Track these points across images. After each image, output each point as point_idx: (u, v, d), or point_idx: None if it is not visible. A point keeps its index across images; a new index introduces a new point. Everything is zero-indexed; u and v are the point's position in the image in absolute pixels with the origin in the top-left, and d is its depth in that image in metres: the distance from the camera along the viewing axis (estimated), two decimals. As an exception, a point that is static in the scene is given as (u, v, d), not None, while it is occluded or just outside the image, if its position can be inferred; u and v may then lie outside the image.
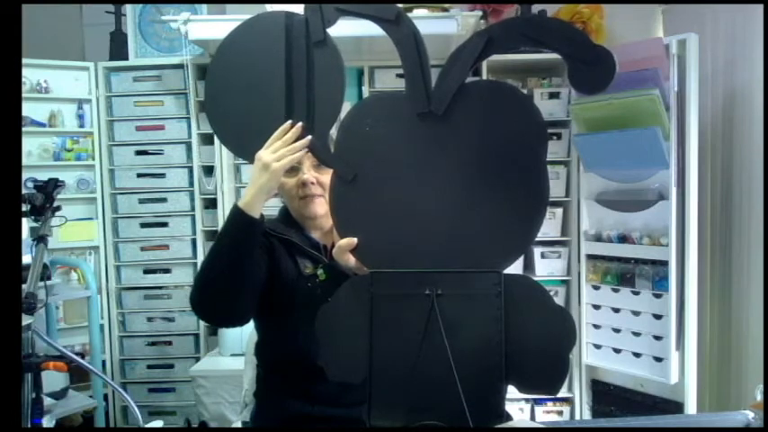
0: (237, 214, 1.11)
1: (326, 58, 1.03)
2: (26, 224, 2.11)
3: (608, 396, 2.46)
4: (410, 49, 0.98)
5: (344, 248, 1.05)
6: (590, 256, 2.43)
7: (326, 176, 1.29)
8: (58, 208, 1.77)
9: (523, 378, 0.96)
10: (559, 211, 2.57)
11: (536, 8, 2.56)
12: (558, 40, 0.92)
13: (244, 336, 2.32)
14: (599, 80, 0.90)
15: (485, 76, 2.57)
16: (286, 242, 1.31)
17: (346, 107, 1.06)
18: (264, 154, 1.08)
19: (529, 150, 0.96)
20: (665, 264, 2.18)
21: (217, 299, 1.15)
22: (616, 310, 2.35)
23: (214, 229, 2.72)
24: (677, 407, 2.22)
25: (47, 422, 1.27)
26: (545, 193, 0.97)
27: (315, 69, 1.03)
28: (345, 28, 1.03)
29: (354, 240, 1.04)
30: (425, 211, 1.00)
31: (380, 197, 1.02)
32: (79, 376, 2.50)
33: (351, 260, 1.06)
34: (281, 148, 1.07)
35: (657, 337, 2.22)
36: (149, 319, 2.79)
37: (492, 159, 0.97)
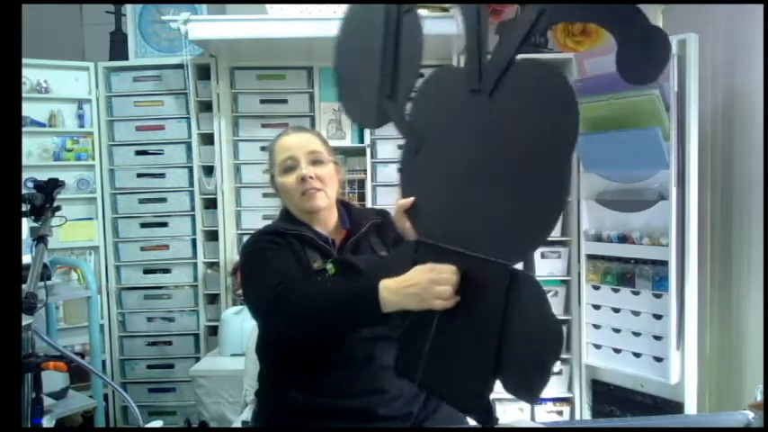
0: (374, 304, 1.06)
1: (411, 22, 1.09)
2: (26, 224, 2.10)
3: (608, 396, 2.46)
4: (472, 23, 0.97)
5: (401, 207, 1.10)
6: (590, 256, 2.43)
7: (324, 171, 1.33)
8: (58, 208, 1.77)
9: (507, 378, 0.95)
10: (559, 210, 2.57)
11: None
12: (610, 19, 0.81)
13: (244, 336, 2.32)
14: (650, 68, 0.80)
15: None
16: (299, 237, 1.32)
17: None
18: (434, 278, 1.00)
19: (559, 147, 0.89)
20: (665, 264, 2.17)
21: (300, 339, 1.21)
22: (616, 310, 2.35)
23: (214, 229, 2.72)
24: (677, 407, 2.21)
25: (47, 422, 1.27)
26: (564, 196, 0.91)
27: (402, 35, 1.09)
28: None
29: (410, 200, 1.09)
30: (464, 188, 1.01)
31: (432, 170, 1.06)
32: (79, 376, 2.50)
33: (406, 224, 1.11)
34: (447, 287, 0.99)
35: (657, 337, 2.22)
36: (149, 319, 2.80)
37: (522, 148, 0.92)
